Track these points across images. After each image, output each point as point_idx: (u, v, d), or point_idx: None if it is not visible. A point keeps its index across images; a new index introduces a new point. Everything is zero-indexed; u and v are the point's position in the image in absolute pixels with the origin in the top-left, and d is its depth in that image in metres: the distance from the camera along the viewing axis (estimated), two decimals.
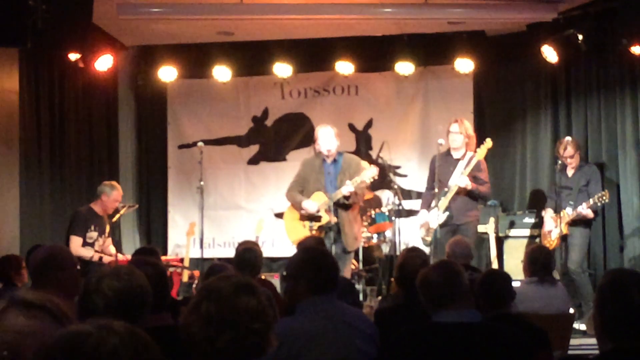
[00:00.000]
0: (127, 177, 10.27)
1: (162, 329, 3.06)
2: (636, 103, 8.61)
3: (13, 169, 8.54)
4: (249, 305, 2.36)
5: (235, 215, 10.31)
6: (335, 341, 3.47)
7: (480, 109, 9.89)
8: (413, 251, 5.00)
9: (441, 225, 7.88)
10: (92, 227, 8.05)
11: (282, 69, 9.61)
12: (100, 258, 7.92)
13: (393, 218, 8.72)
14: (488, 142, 8.13)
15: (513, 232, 9.01)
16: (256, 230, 9.17)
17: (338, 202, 7.71)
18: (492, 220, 8.75)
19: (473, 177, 7.97)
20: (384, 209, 8.92)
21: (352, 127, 10.14)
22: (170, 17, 8.54)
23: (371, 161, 8.97)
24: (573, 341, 6.00)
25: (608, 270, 5.31)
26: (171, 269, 8.58)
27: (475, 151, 8.11)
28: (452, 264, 3.51)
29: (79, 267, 4.23)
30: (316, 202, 7.79)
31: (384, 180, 8.96)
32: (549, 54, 8.69)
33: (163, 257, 8.39)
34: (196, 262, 8.78)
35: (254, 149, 10.46)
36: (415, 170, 9.87)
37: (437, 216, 7.87)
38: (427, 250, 7.68)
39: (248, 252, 5.78)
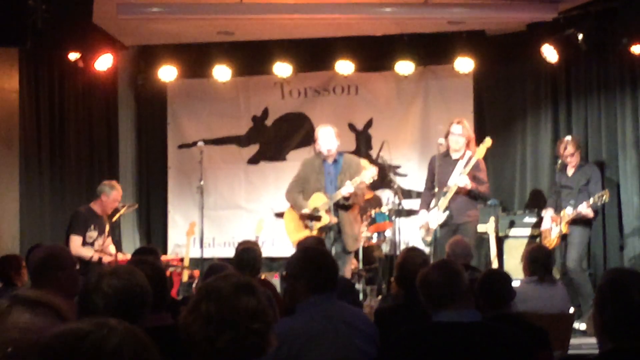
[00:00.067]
0: (127, 177, 10.27)
1: (161, 329, 3.06)
2: (636, 103, 8.61)
3: (13, 168, 8.53)
4: (248, 305, 2.36)
5: (235, 215, 10.31)
6: (335, 341, 3.47)
7: (480, 109, 9.88)
8: (413, 251, 5.00)
9: (441, 225, 7.87)
10: (92, 227, 8.05)
11: (282, 69, 9.61)
12: (100, 258, 7.92)
13: (393, 218, 8.72)
14: (487, 141, 8.12)
15: (513, 231, 9.01)
16: (256, 230, 9.17)
17: (338, 202, 7.71)
18: (492, 219, 8.75)
19: (472, 176, 7.97)
20: (384, 209, 8.92)
21: (352, 127, 10.14)
22: (170, 17, 8.54)
23: (371, 161, 8.97)
24: (573, 341, 6.00)
25: (608, 270, 5.31)
26: (171, 269, 8.58)
27: (474, 150, 8.10)
28: (453, 264, 3.51)
29: (78, 266, 4.22)
30: (317, 203, 7.78)
31: (384, 180, 8.96)
32: (549, 53, 8.69)
33: (163, 257, 8.39)
34: (196, 262, 8.78)
35: (254, 148, 10.46)
36: (415, 170, 9.87)
37: (437, 216, 7.87)
38: (427, 250, 7.68)
39: (248, 252, 5.78)
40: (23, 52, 8.43)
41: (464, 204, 7.99)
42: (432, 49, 9.62)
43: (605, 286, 2.76)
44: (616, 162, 8.75)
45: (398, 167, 9.87)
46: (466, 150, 8.12)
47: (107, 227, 8.15)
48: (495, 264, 8.50)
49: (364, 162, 8.12)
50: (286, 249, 9.00)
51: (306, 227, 7.80)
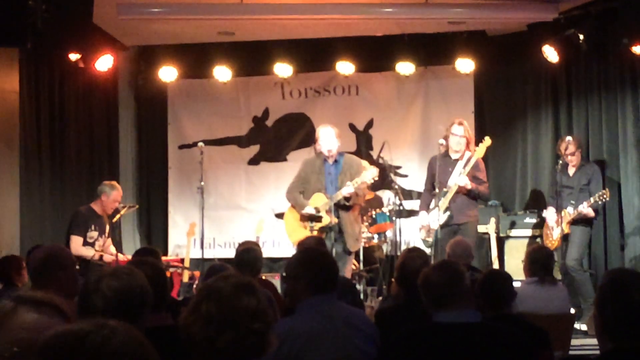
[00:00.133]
0: (128, 178, 10.27)
1: (162, 329, 3.06)
2: (637, 102, 8.61)
3: (13, 169, 8.54)
4: (249, 305, 2.36)
5: (236, 215, 10.30)
6: (335, 341, 3.47)
7: (481, 109, 9.88)
8: (414, 251, 4.99)
9: (442, 226, 7.87)
10: (93, 227, 8.05)
11: (283, 69, 9.61)
12: (101, 257, 7.92)
13: (394, 218, 8.72)
14: (487, 141, 8.12)
15: (514, 232, 9.01)
16: (256, 231, 9.17)
17: (339, 203, 7.71)
18: (492, 220, 8.75)
19: (472, 176, 7.96)
20: (385, 209, 8.92)
21: (352, 127, 10.14)
22: (170, 17, 8.54)
23: (372, 161, 8.96)
24: (574, 341, 6.00)
25: (608, 270, 5.32)
26: (171, 270, 8.57)
27: (473, 150, 8.10)
28: (455, 265, 3.50)
29: (78, 267, 4.22)
30: (318, 203, 7.79)
31: (384, 180, 8.96)
32: (550, 53, 8.69)
33: (163, 258, 8.37)
34: (196, 263, 8.78)
35: (254, 149, 10.46)
36: (415, 170, 9.87)
37: (437, 217, 7.87)
38: (428, 251, 7.68)
39: (248, 253, 5.78)
40: (23, 53, 8.44)
41: (464, 204, 7.99)
42: (433, 49, 9.62)
43: (606, 286, 2.76)
44: (617, 162, 8.75)
45: (399, 167, 9.87)
46: (465, 151, 8.11)
47: (108, 228, 8.15)
48: (496, 265, 8.50)
49: (364, 162, 8.12)
50: (286, 250, 9.01)
51: (306, 227, 7.80)
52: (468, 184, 7.89)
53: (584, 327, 7.46)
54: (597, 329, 2.74)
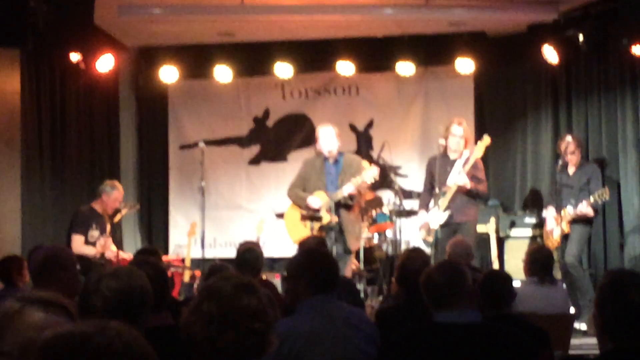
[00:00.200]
0: (128, 178, 10.28)
1: (162, 329, 3.07)
2: (637, 103, 8.61)
3: (14, 169, 8.56)
4: (249, 305, 2.37)
5: (237, 215, 10.31)
6: (335, 341, 3.48)
7: (481, 110, 9.89)
8: (414, 251, 5.00)
9: (442, 226, 7.88)
10: (94, 226, 8.07)
11: (283, 70, 9.61)
12: (102, 255, 7.94)
13: (394, 218, 8.72)
14: (486, 139, 8.12)
15: (514, 232, 9.01)
16: (257, 231, 9.17)
17: (339, 202, 7.72)
18: (492, 220, 8.76)
19: (471, 176, 7.97)
20: (385, 209, 8.92)
21: (353, 128, 10.15)
22: (171, 18, 8.55)
23: (372, 161, 8.97)
24: (574, 341, 6.00)
25: (608, 271, 5.32)
26: (172, 269, 8.59)
27: (472, 150, 8.10)
28: (457, 265, 3.50)
29: (78, 266, 4.23)
30: (320, 198, 7.79)
31: (384, 180, 8.97)
32: (550, 54, 8.69)
33: (164, 257, 8.39)
34: (197, 263, 8.78)
35: (255, 149, 10.47)
36: (416, 170, 9.87)
37: (437, 216, 7.88)
38: (428, 250, 7.68)
39: (249, 253, 5.78)
40: (24, 53, 8.45)
41: (463, 203, 7.99)
42: (433, 50, 9.62)
43: (606, 286, 2.76)
44: (617, 162, 8.76)
45: (399, 167, 9.88)
46: (464, 150, 8.12)
47: (109, 227, 8.17)
48: (496, 265, 8.51)
49: (364, 163, 8.12)
50: (287, 249, 9.00)
51: (307, 225, 7.81)
52: (467, 183, 7.90)
53: (583, 327, 7.47)
54: (597, 329, 2.75)
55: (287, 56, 9.54)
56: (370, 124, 10.17)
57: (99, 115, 9.86)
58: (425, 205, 8.23)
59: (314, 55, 9.86)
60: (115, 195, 8.20)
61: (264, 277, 6.86)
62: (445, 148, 8.12)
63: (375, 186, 8.89)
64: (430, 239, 7.97)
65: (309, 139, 9.63)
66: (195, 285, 8.38)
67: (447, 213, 7.91)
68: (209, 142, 9.62)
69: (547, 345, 4.37)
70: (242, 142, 10.45)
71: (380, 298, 8.19)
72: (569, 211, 8.03)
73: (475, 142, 8.18)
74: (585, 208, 7.96)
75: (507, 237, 9.01)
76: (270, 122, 10.42)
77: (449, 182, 7.96)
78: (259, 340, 2.36)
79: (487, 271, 5.41)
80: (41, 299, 2.04)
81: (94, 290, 2.77)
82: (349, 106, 10.21)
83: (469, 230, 7.94)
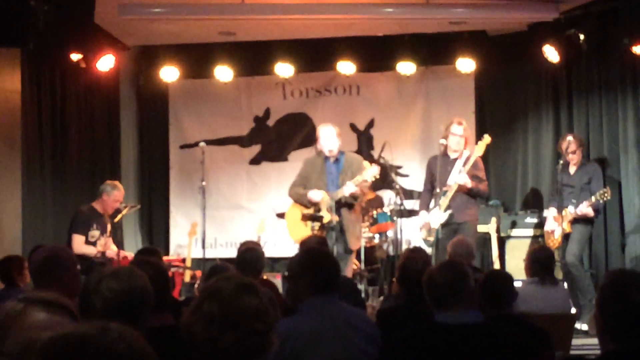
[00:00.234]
0: (129, 177, 10.28)
1: (163, 329, 3.07)
2: (638, 102, 8.61)
3: (15, 169, 8.55)
4: (250, 306, 2.37)
5: (237, 215, 10.31)
6: (336, 341, 3.48)
7: (482, 109, 9.89)
8: (415, 251, 5.00)
9: (443, 225, 7.88)
10: (94, 226, 8.07)
11: (284, 69, 9.61)
12: (103, 254, 7.94)
13: (395, 218, 8.71)
14: (486, 138, 8.12)
15: (515, 232, 9.01)
16: (258, 231, 9.17)
17: (340, 201, 7.72)
18: (493, 220, 8.75)
19: (472, 175, 7.97)
20: (386, 209, 8.92)
21: (353, 127, 10.14)
22: (171, 17, 8.54)
23: (372, 161, 8.96)
24: (575, 341, 6.00)
25: (609, 271, 5.30)
26: (173, 269, 8.59)
27: (472, 149, 8.10)
28: (460, 265, 3.50)
29: (79, 266, 4.22)
30: (321, 192, 7.77)
31: (385, 180, 8.96)
32: (551, 53, 8.69)
33: (165, 258, 8.39)
34: (198, 263, 8.78)
35: (255, 149, 10.47)
36: (416, 170, 9.86)
37: (438, 216, 7.87)
38: (429, 250, 7.68)
39: (250, 253, 5.78)
40: (25, 53, 8.44)
41: (463, 202, 8.00)
42: (434, 49, 9.62)
43: (607, 286, 2.76)
44: (618, 162, 8.76)
45: (399, 167, 9.87)
46: (464, 150, 8.12)
47: (109, 227, 8.17)
48: (497, 265, 8.51)
49: (364, 162, 8.12)
50: (288, 249, 9.00)
51: (307, 224, 7.81)
52: (468, 182, 7.90)
53: (584, 327, 7.46)
54: (598, 329, 2.75)
55: (288, 56, 9.54)
56: (370, 124, 10.17)
57: (99, 114, 9.86)
58: (425, 205, 8.24)
59: (315, 54, 9.86)
60: (116, 195, 8.20)
61: (264, 277, 6.85)
62: (446, 148, 8.12)
63: (376, 186, 8.89)
64: (431, 238, 7.97)
65: (310, 139, 9.63)
66: (196, 286, 8.37)
67: (448, 213, 7.91)
68: (209, 142, 9.61)
69: (548, 346, 4.37)
70: (242, 141, 10.45)
71: (381, 298, 8.19)
72: (570, 211, 8.02)
73: (476, 142, 8.18)
74: (585, 208, 7.96)
75: (508, 237, 9.00)
76: (270, 122, 10.42)
77: (449, 181, 7.97)
78: (260, 340, 2.36)
79: (488, 271, 5.41)
80: (44, 300, 2.03)
81: (94, 291, 2.77)
82: (349, 106, 10.21)
83: (469, 230, 7.94)
